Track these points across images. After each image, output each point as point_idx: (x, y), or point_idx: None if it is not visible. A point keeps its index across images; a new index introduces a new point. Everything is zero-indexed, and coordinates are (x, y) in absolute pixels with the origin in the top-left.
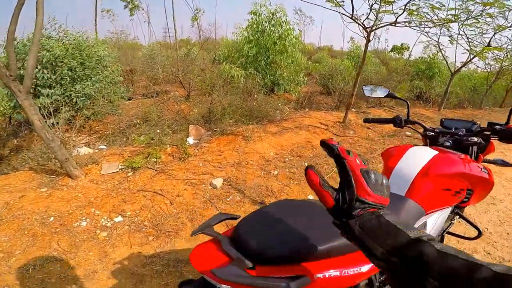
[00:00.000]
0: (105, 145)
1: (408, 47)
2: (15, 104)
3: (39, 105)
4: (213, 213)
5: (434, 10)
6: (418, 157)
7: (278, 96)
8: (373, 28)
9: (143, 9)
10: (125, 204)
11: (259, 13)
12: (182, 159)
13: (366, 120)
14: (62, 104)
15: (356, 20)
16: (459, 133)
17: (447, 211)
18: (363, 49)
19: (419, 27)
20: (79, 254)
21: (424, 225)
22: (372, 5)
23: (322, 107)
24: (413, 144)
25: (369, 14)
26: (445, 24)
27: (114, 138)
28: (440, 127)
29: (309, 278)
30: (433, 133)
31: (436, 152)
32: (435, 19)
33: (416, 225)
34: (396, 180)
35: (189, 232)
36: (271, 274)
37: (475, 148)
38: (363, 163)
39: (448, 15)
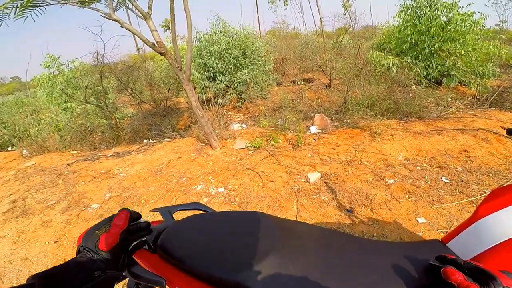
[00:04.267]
0: (246, 125)
1: None
2: (202, 86)
3: (216, 88)
4: (292, 205)
5: None
6: None
7: (449, 89)
8: None
9: None
10: (232, 178)
11: None
12: (295, 146)
13: (510, 132)
14: (228, 88)
15: None
16: None
17: None
18: None
19: None
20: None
21: None
22: None
23: None
24: None
25: None
26: None
27: (259, 119)
28: None
29: None
30: None
31: None
32: None
33: None
34: (466, 239)
35: None
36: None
37: None
38: None
39: None
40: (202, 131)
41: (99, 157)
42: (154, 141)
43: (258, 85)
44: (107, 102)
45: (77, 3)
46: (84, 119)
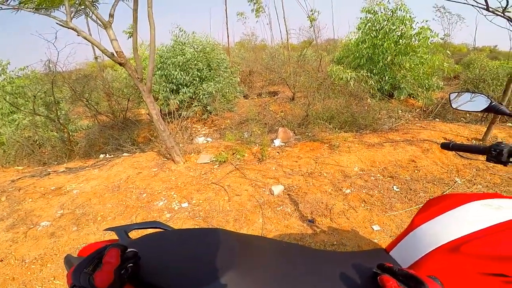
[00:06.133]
0: (211, 138)
1: None
2: (164, 98)
3: (179, 100)
4: (258, 218)
5: None
6: (472, 218)
7: (400, 101)
8: None
9: (264, 12)
10: (196, 192)
11: (374, 11)
12: (260, 160)
13: (445, 146)
14: (193, 100)
15: (496, 12)
16: None
17: None
18: None
19: None
20: None
21: None
22: None
23: (463, 117)
24: (502, 194)
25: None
26: None
27: (225, 132)
28: None
29: None
30: None
31: None
32: None
33: None
34: (405, 247)
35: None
36: None
37: None
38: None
39: None
40: (164, 145)
41: (49, 173)
42: (112, 156)
43: (224, 98)
44: (58, 114)
45: (33, 9)
46: (32, 131)
